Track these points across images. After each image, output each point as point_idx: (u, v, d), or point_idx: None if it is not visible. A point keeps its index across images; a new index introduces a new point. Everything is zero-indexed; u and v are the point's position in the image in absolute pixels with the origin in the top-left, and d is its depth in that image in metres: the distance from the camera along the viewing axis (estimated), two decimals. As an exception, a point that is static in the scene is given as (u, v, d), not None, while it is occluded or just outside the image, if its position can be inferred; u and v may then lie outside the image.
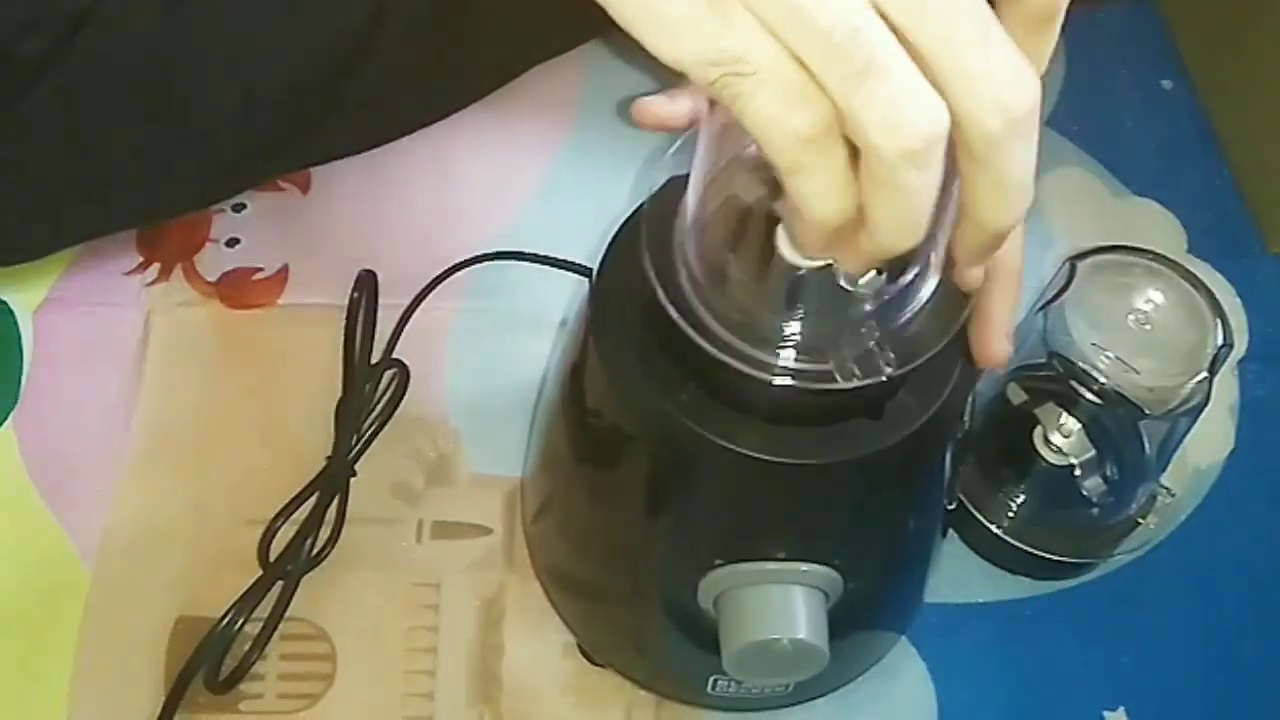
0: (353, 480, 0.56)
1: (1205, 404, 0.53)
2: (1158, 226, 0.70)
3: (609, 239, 0.45)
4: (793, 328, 0.40)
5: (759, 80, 0.29)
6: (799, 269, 0.38)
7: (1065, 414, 0.56)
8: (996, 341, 0.44)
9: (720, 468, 0.41)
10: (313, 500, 0.55)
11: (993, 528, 0.57)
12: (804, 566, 0.43)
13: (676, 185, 0.43)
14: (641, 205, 0.45)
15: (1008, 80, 0.29)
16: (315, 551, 0.55)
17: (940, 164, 0.30)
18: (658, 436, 0.43)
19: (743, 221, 0.40)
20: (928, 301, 0.40)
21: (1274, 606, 0.59)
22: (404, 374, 0.59)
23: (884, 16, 0.29)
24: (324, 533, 0.55)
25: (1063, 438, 0.56)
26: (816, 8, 0.28)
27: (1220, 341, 0.52)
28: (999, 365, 0.45)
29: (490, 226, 0.65)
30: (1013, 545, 0.56)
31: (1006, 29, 0.30)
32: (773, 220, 0.38)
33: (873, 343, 0.39)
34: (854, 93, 0.29)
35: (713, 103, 0.38)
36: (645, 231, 0.41)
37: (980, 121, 0.29)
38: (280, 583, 0.53)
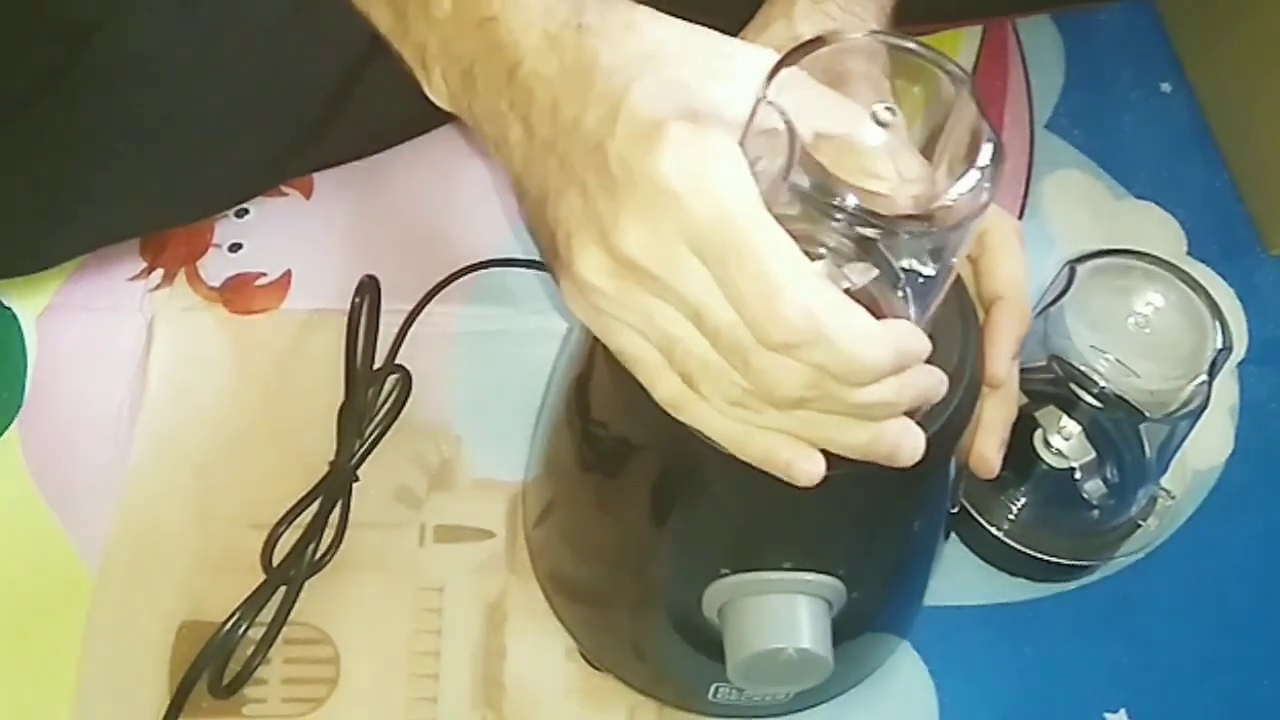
0: (356, 485, 0.57)
1: (1205, 406, 0.53)
2: (1157, 229, 0.70)
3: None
4: None
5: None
6: None
7: (1065, 417, 0.56)
8: (990, 451, 0.47)
9: (726, 478, 0.41)
10: (316, 505, 0.55)
11: (994, 530, 0.57)
12: (808, 576, 0.44)
13: None
14: None
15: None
16: (318, 556, 0.55)
17: None
18: (664, 446, 0.43)
19: None
20: None
21: (1274, 608, 0.59)
22: (406, 380, 0.59)
23: None
24: (327, 537, 0.55)
25: (1063, 440, 0.56)
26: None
27: (1219, 344, 0.53)
28: (989, 475, 0.47)
29: (494, 232, 0.65)
30: (1014, 548, 0.57)
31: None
32: None
33: None
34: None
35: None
36: None
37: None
38: (284, 587, 0.53)
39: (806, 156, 0.38)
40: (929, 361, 0.39)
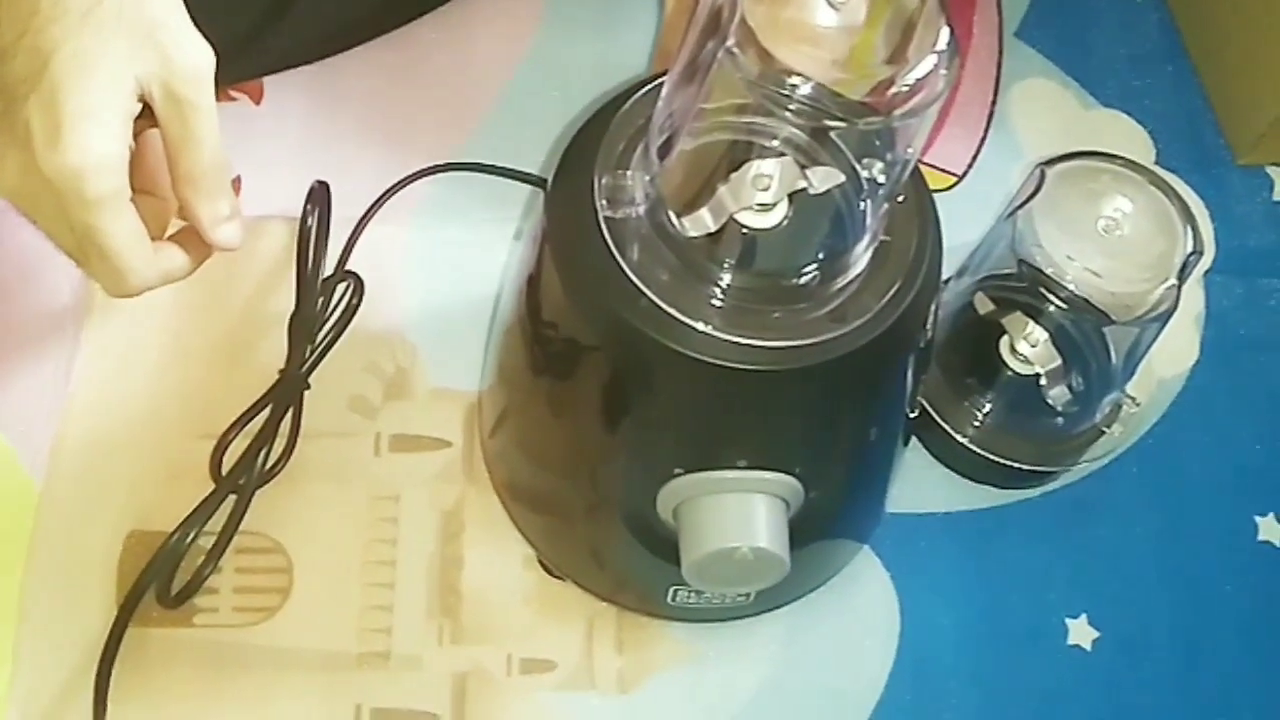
0: (310, 394, 0.55)
1: (1173, 310, 0.52)
2: (1126, 138, 0.69)
3: (562, 149, 0.44)
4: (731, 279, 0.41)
5: None
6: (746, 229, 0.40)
7: (1032, 323, 0.55)
8: None
9: (679, 375, 0.41)
10: (266, 413, 0.54)
11: (958, 437, 0.56)
12: (765, 474, 0.43)
13: (630, 94, 0.43)
14: (592, 116, 0.44)
15: None
16: (269, 465, 0.54)
17: None
18: (615, 345, 0.42)
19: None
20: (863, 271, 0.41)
21: (1235, 516, 0.59)
22: (359, 286, 0.58)
23: None
24: (278, 446, 0.54)
25: (1029, 347, 0.55)
26: None
27: (1190, 248, 0.52)
28: None
29: (447, 138, 0.64)
30: (977, 454, 0.56)
31: None
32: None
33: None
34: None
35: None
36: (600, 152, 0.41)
37: None
38: (234, 496, 0.52)
39: (755, 44, 0.37)
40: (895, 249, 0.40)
